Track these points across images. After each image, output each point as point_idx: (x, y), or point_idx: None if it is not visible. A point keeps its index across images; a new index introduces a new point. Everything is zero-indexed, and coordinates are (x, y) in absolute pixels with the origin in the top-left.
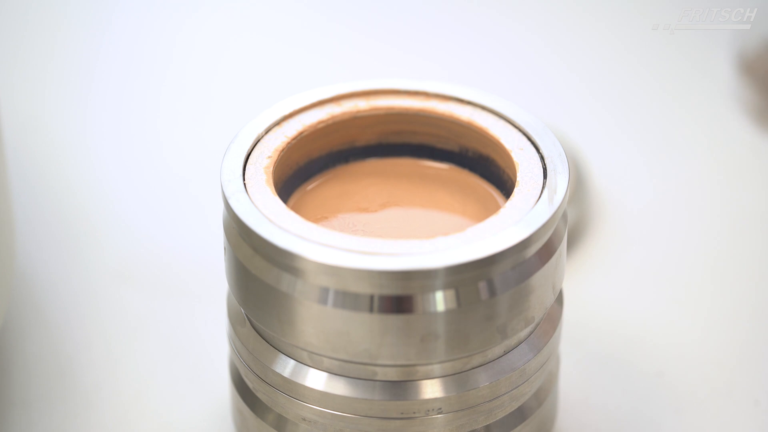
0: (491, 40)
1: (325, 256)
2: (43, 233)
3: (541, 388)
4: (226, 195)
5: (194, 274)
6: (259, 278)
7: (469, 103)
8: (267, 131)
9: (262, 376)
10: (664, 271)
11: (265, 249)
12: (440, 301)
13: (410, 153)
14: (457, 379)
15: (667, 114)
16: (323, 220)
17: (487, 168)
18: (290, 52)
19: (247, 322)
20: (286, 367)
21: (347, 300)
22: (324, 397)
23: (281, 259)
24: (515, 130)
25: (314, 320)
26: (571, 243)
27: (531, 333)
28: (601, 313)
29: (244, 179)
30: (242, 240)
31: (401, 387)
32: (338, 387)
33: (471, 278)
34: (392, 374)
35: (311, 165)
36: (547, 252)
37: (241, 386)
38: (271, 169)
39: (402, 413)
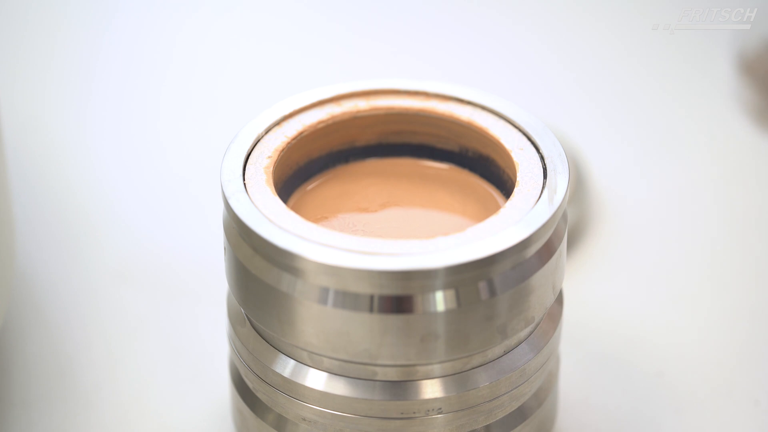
0: (491, 40)
1: (325, 256)
2: (43, 233)
3: (541, 388)
4: (226, 195)
5: (194, 274)
6: (259, 278)
7: (469, 103)
8: (267, 131)
9: (262, 376)
10: (664, 271)
11: (265, 249)
12: (440, 301)
13: (410, 153)
14: (457, 379)
15: (667, 114)
16: (323, 220)
17: (487, 168)
18: (290, 53)
19: (247, 322)
20: (286, 367)
21: (347, 300)
22: (324, 397)
23: (281, 259)
24: (515, 130)
25: (314, 320)
26: (571, 243)
27: (531, 333)
28: (601, 313)
29: (244, 179)
30: (242, 240)
31: (401, 387)
32: (338, 387)
33: (471, 278)
34: (392, 374)
35: (311, 165)
36: (547, 252)
37: (241, 386)
38: (271, 169)
39: (402, 413)
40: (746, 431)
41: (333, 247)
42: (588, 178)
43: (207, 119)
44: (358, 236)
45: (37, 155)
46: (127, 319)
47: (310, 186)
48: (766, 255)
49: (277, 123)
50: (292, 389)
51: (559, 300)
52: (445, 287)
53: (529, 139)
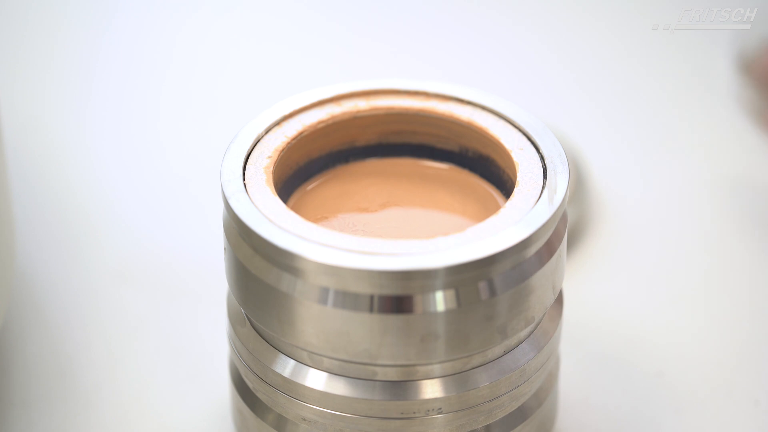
0: (491, 40)
1: (325, 256)
2: (43, 233)
3: (541, 388)
4: (226, 195)
5: (194, 274)
6: (259, 278)
7: (469, 103)
8: (267, 131)
9: (262, 376)
10: (663, 271)
11: (265, 249)
12: (440, 301)
13: (410, 153)
14: (457, 379)
15: (666, 114)
16: (323, 220)
17: (487, 168)
18: (290, 53)
19: (247, 322)
20: (286, 367)
21: (347, 300)
22: (324, 397)
23: (281, 259)
24: (515, 130)
25: (314, 320)
26: (571, 243)
27: (531, 333)
28: (601, 313)
29: (244, 179)
30: (242, 240)
31: (401, 387)
32: (338, 387)
33: (471, 278)
34: (392, 374)
35: (311, 165)
36: (547, 252)
37: (241, 386)
38: (271, 169)
39: (402, 413)
40: (746, 431)
41: (333, 247)
42: (588, 178)
43: (207, 119)
44: (358, 236)
45: (37, 155)
46: (127, 319)
47: (310, 186)
48: (766, 255)
49: (277, 123)
50: (292, 389)
51: (559, 300)
52: (445, 287)
53: (529, 139)
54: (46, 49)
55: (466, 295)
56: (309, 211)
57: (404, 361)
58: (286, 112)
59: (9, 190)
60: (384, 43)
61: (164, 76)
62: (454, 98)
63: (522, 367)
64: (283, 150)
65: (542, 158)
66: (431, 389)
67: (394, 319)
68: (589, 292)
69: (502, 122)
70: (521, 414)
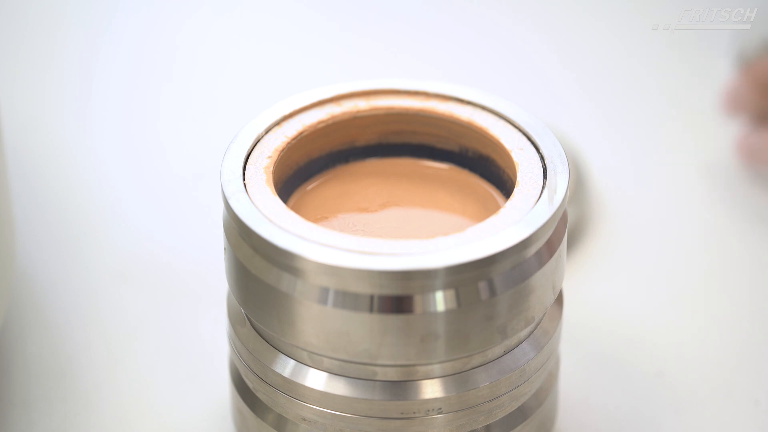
0: (491, 40)
1: (325, 256)
2: (43, 233)
3: (541, 388)
4: (226, 195)
5: (194, 274)
6: (259, 278)
7: (469, 103)
8: (267, 131)
9: (262, 376)
10: (663, 271)
11: (265, 249)
12: (440, 301)
13: (410, 153)
14: (457, 379)
15: (666, 114)
16: (323, 220)
17: (487, 168)
18: (290, 53)
19: (247, 322)
20: (286, 367)
21: (347, 300)
22: (324, 397)
23: (281, 259)
24: (515, 130)
25: (314, 320)
26: (571, 243)
27: (531, 333)
28: (601, 313)
29: (244, 179)
30: (242, 240)
31: (401, 387)
32: (338, 387)
33: (471, 278)
34: (392, 374)
35: (311, 165)
36: (547, 252)
37: (241, 386)
38: (271, 169)
39: (402, 413)
40: (746, 431)
41: (333, 247)
42: (588, 178)
43: (207, 119)
44: (358, 236)
45: (37, 155)
46: (127, 319)
47: (310, 186)
48: (766, 255)
49: (277, 123)
50: (292, 389)
51: (559, 300)
52: (445, 287)
53: (529, 139)
54: (46, 49)
55: (466, 295)
56: (309, 211)
57: (404, 361)
58: (286, 112)
59: (9, 190)
60: (384, 43)
61: (164, 76)
62: (454, 98)
63: (522, 367)
64: (283, 150)
65: (542, 158)
66: (431, 389)
67: (394, 319)
68: (589, 292)
69: (502, 122)
70: (521, 414)
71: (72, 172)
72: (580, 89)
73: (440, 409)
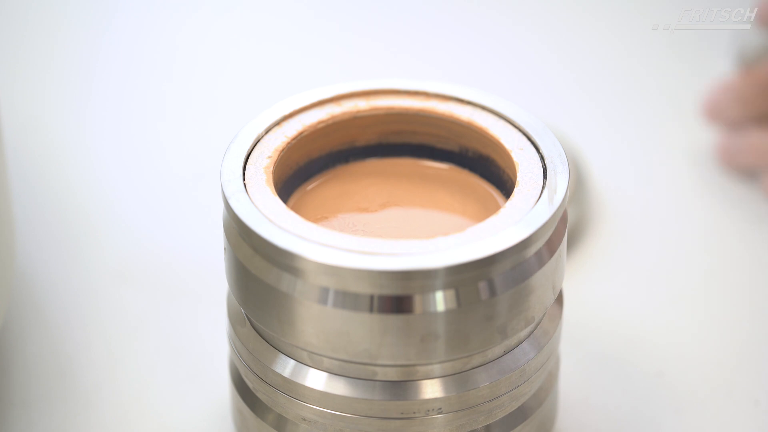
0: (491, 40)
1: (325, 256)
2: (43, 233)
3: (541, 388)
4: (226, 195)
5: (194, 274)
6: (259, 278)
7: (469, 103)
8: (267, 131)
9: (262, 376)
10: (664, 271)
11: (265, 249)
12: (440, 301)
13: (410, 153)
14: (457, 379)
15: (667, 114)
16: (323, 220)
17: (487, 168)
18: (290, 53)
19: (247, 322)
20: (286, 367)
21: (347, 300)
22: (324, 397)
23: (281, 259)
24: (515, 130)
25: (314, 320)
26: (571, 243)
27: (531, 333)
28: (601, 313)
29: (244, 179)
30: (242, 240)
31: (401, 387)
32: (338, 387)
33: (471, 278)
34: (392, 374)
35: (311, 165)
36: (547, 252)
37: (241, 386)
38: (271, 169)
39: (402, 413)
40: (746, 431)
41: (333, 247)
42: (588, 178)
43: (207, 119)
44: (358, 236)
45: (37, 155)
46: (127, 319)
47: (310, 186)
48: (766, 255)
49: (277, 123)
50: (292, 389)
51: (559, 300)
52: (445, 287)
53: (529, 139)
54: (46, 49)
55: (466, 295)
56: (309, 211)
57: (404, 361)
58: (286, 112)
59: (9, 190)
60: (384, 43)
61: (164, 76)
62: (454, 98)
63: (522, 367)
64: (283, 150)
65: (542, 158)
66: (431, 389)
67: (394, 319)
68: (589, 292)
69: (502, 122)
70: (521, 414)
71: (72, 172)
72: (580, 89)
73: (440, 409)
